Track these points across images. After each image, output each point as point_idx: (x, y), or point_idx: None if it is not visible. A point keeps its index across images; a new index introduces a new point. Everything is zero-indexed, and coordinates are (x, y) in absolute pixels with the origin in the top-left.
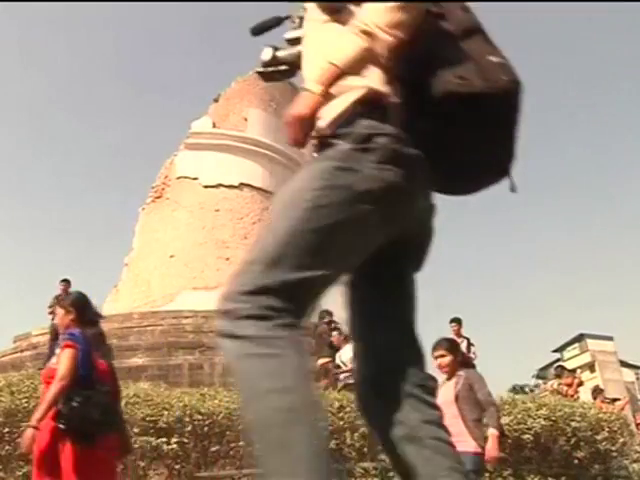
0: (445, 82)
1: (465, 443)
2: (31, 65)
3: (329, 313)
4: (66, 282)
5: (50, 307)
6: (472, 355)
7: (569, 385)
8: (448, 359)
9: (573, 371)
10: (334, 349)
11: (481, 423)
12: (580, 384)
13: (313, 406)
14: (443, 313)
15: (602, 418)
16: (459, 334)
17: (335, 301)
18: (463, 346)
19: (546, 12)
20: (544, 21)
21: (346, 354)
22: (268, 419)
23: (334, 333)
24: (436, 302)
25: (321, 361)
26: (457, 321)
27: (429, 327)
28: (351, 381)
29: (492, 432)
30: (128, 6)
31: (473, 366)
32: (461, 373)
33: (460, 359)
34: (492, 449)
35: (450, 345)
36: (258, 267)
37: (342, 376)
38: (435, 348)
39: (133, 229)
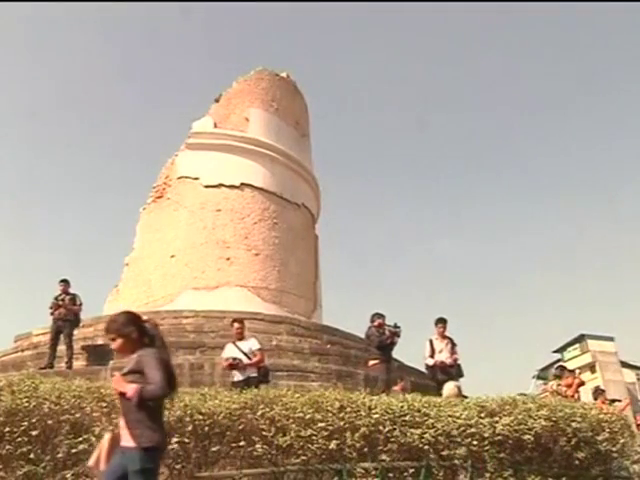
0: None
1: (126, 437)
2: (31, 64)
3: (380, 315)
4: (65, 282)
5: (51, 307)
6: (456, 356)
7: (569, 386)
8: (119, 342)
9: (572, 371)
10: (384, 350)
11: (151, 416)
12: (581, 384)
13: None
14: (443, 313)
15: (603, 419)
16: (444, 335)
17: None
18: (448, 348)
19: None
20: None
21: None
22: None
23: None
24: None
25: (371, 363)
26: (444, 321)
27: (422, 324)
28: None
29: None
30: (129, 6)
31: (152, 344)
32: (134, 356)
33: (137, 336)
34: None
35: (120, 324)
36: None
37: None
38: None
39: (134, 229)
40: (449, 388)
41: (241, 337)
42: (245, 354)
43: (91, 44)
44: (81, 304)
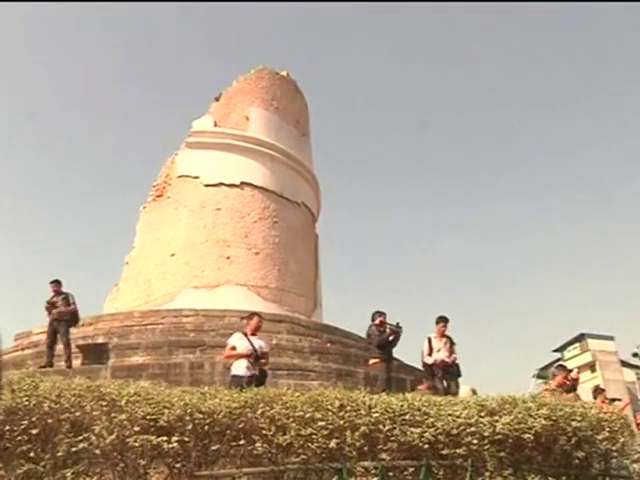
0: None
1: None
2: (32, 63)
3: (382, 313)
4: (57, 283)
5: (46, 309)
6: (455, 355)
7: (561, 384)
8: None
9: (566, 369)
10: (384, 349)
11: None
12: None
13: None
14: (443, 312)
15: (603, 418)
16: (443, 334)
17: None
18: (446, 347)
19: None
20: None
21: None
22: None
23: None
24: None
25: (371, 361)
26: (445, 320)
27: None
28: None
29: None
30: (129, 5)
31: None
32: None
33: None
34: None
35: None
36: None
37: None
38: None
39: (134, 228)
40: (465, 392)
41: (255, 333)
42: (256, 351)
43: (91, 44)
44: (74, 302)
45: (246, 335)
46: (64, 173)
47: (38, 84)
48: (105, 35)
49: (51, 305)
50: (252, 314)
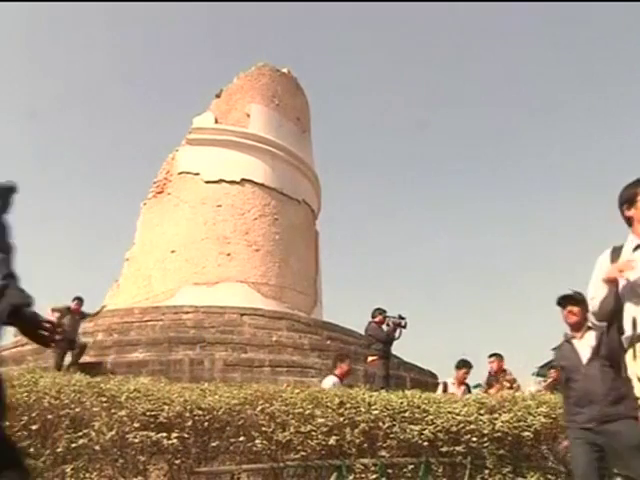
0: None
1: None
2: (32, 62)
3: (382, 311)
4: (79, 300)
5: (55, 309)
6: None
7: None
8: None
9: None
10: (386, 344)
11: None
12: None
13: None
14: (443, 310)
15: None
16: (463, 381)
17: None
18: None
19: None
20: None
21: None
22: None
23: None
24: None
25: (370, 359)
26: (469, 367)
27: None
28: None
29: None
30: (128, 4)
31: None
32: None
33: None
34: None
35: None
36: None
37: None
38: None
39: (135, 224)
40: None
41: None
42: None
43: (91, 40)
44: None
45: (341, 380)
46: (64, 168)
47: (38, 80)
48: (105, 31)
49: (59, 325)
50: (341, 356)
